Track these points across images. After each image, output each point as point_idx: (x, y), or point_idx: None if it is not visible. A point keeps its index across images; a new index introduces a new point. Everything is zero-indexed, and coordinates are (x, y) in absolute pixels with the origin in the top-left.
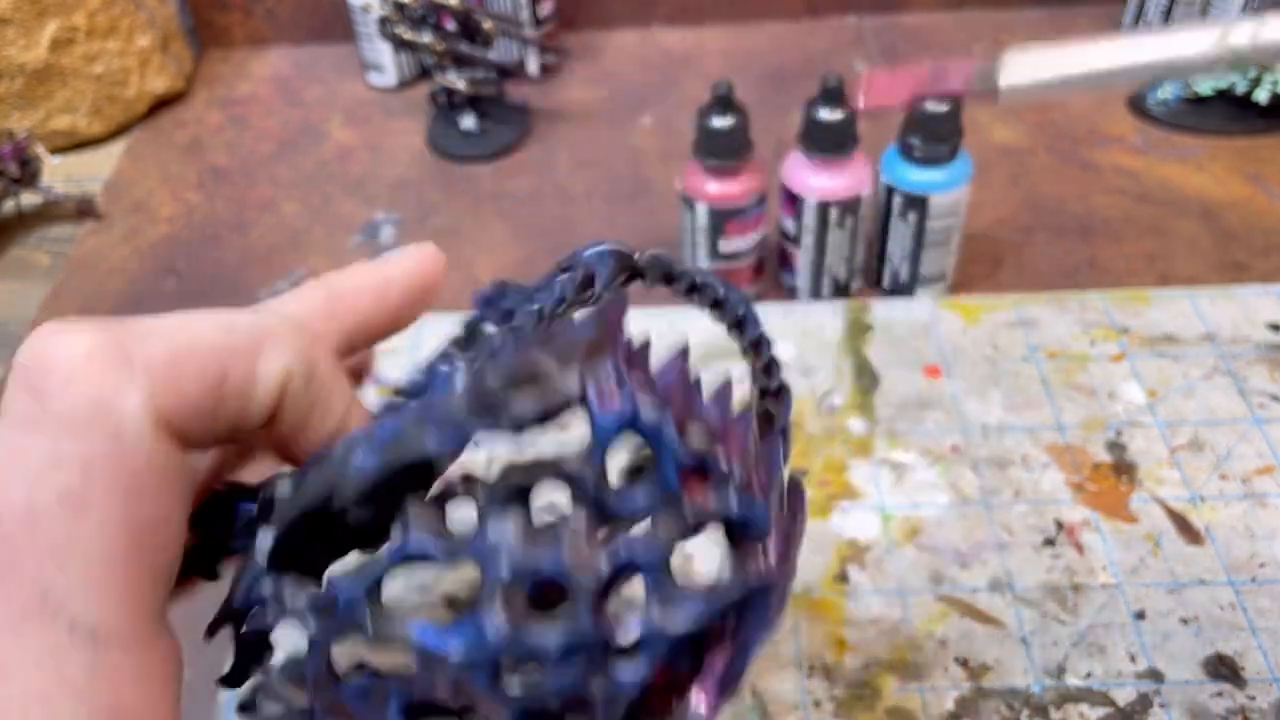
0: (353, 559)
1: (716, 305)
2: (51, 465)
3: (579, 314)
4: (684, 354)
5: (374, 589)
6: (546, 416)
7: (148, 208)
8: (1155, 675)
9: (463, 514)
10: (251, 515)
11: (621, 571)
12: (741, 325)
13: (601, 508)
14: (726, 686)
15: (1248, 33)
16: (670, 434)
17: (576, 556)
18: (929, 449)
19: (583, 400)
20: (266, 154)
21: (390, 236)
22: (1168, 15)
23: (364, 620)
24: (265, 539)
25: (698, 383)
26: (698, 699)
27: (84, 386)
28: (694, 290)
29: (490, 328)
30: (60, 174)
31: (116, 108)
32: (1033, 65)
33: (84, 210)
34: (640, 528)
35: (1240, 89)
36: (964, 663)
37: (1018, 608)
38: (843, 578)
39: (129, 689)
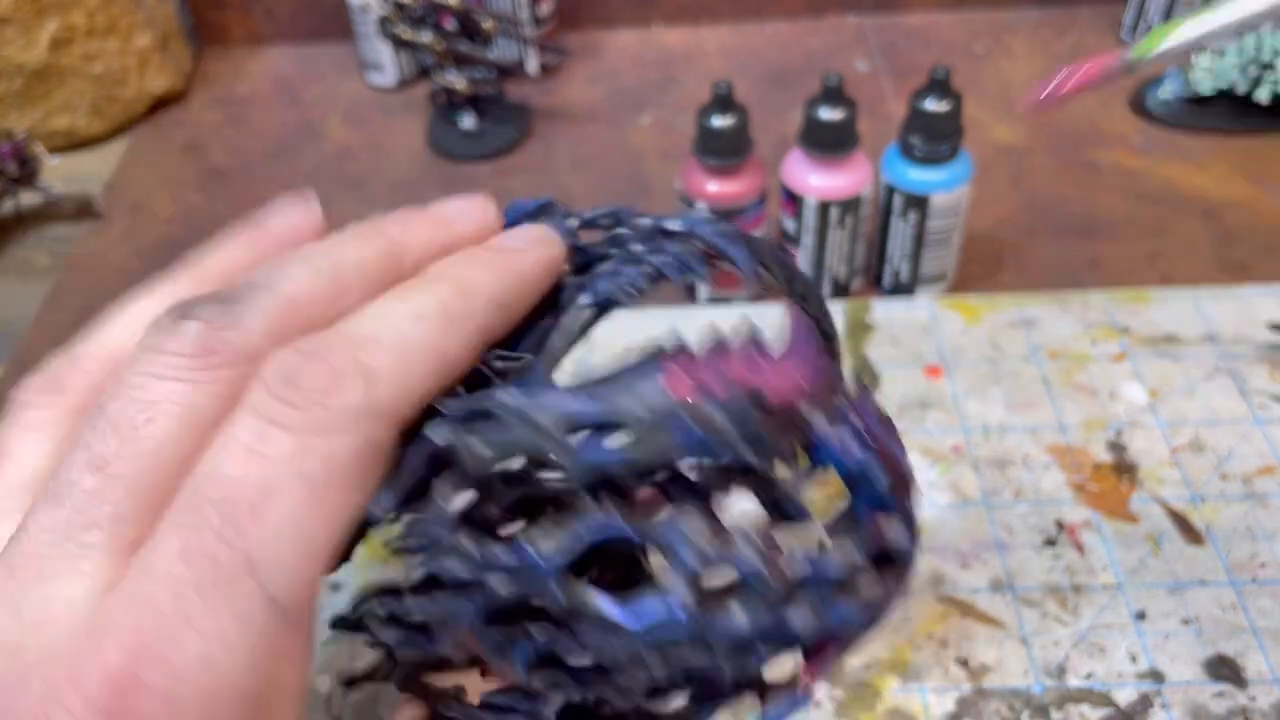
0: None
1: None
2: (303, 451)
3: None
4: (867, 391)
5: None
6: (793, 457)
7: (147, 208)
8: (1156, 676)
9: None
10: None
11: (803, 582)
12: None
13: (783, 513)
14: (828, 672)
15: None
16: (880, 483)
17: (767, 563)
18: (930, 449)
19: (815, 438)
20: (266, 154)
21: None
22: (1167, 16)
23: (558, 590)
24: (461, 497)
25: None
26: (805, 682)
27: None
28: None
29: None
30: (59, 174)
31: (116, 107)
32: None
33: (83, 210)
34: (813, 532)
35: (1242, 89)
36: (964, 663)
37: (1018, 608)
38: None
39: (288, 667)
